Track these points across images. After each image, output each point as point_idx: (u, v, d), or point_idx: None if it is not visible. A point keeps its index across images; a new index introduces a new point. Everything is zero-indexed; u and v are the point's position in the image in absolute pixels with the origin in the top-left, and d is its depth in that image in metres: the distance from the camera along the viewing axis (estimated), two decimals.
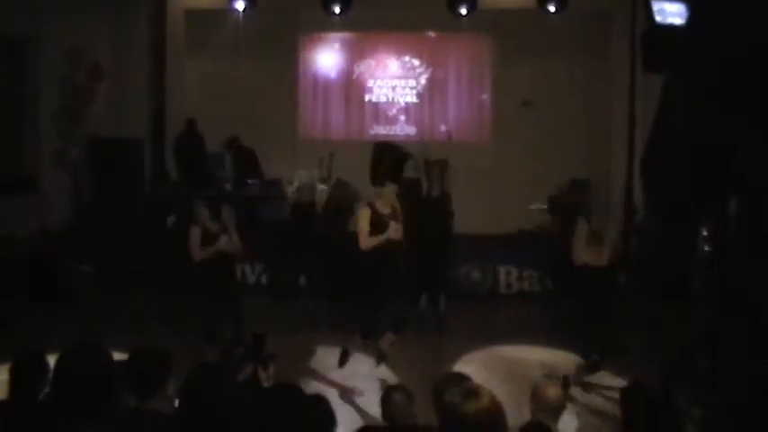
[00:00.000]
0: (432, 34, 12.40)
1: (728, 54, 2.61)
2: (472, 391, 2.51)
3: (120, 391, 2.95)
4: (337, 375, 6.12)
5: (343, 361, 6.05)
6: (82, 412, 2.71)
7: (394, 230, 5.55)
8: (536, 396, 3.59)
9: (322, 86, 12.52)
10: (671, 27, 4.03)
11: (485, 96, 12.44)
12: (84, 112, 10.26)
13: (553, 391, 3.62)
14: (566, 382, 5.67)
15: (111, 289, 8.67)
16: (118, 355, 3.10)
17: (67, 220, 10.02)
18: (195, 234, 5.81)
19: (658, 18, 4.19)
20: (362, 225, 5.62)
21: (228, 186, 10.58)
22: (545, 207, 10.25)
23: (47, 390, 3.07)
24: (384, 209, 5.71)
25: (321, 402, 2.92)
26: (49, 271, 8.51)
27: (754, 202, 2.78)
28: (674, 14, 4.06)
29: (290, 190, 8.92)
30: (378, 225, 5.58)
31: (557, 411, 3.58)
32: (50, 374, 2.98)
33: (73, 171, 10.21)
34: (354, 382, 5.98)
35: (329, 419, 2.84)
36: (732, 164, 2.70)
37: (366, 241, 5.56)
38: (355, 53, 12.47)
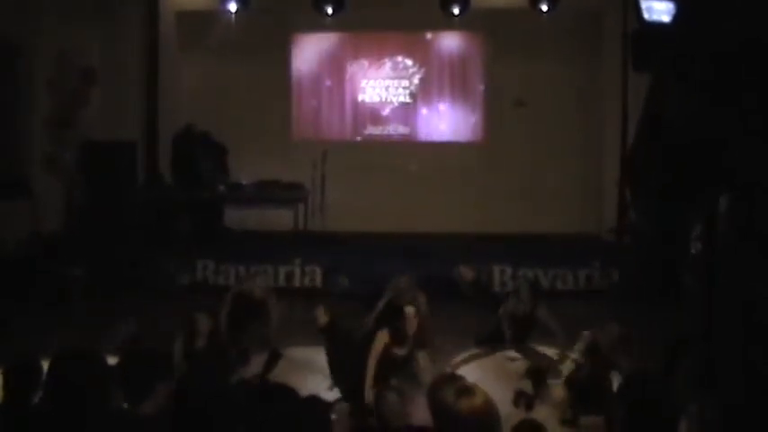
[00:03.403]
0: (424, 34, 12.40)
1: (720, 49, 2.62)
2: (466, 390, 2.51)
3: (113, 394, 2.94)
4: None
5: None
6: (75, 416, 2.70)
7: None
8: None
9: (315, 87, 12.51)
10: (660, 26, 4.04)
11: (477, 98, 12.46)
12: (76, 116, 10.22)
13: (559, 391, 3.65)
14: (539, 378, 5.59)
15: (104, 292, 8.63)
16: (111, 359, 3.09)
17: (60, 224, 9.99)
18: None
19: (646, 16, 4.21)
20: None
21: (222, 188, 10.57)
22: None
23: (40, 394, 3.06)
24: None
25: (317, 402, 2.92)
26: (41, 275, 8.48)
27: (746, 197, 2.78)
28: (661, 12, 4.08)
29: None
30: None
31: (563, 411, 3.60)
32: (43, 379, 2.97)
33: (65, 175, 10.18)
34: None
35: (324, 420, 2.83)
36: (723, 159, 2.70)
37: None
38: (348, 53, 12.46)
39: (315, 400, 2.95)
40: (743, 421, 2.84)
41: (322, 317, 5.89)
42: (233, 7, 10.77)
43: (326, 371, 6.13)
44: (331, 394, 5.62)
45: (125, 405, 2.98)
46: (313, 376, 6.16)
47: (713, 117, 2.58)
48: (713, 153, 2.64)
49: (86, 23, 10.29)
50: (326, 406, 2.88)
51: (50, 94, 10.03)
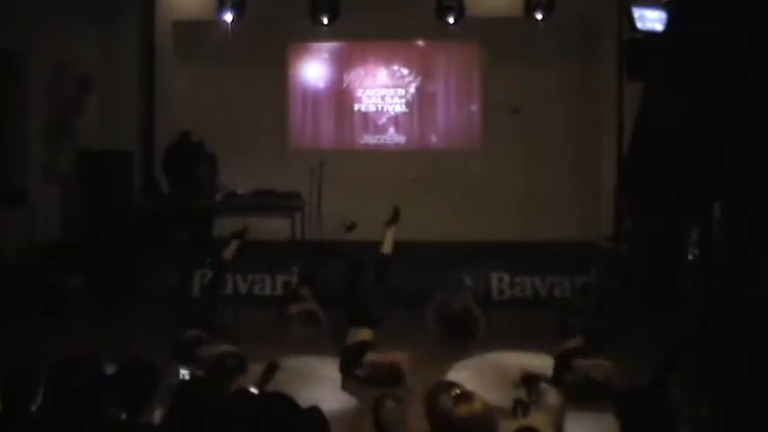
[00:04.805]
0: (420, 43, 12.44)
1: (716, 50, 2.62)
2: (464, 395, 2.52)
3: (110, 404, 2.93)
4: (330, 384, 6.09)
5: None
6: (73, 426, 2.69)
7: None
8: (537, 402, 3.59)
9: (311, 96, 12.52)
10: (653, 35, 4.06)
11: (473, 106, 12.49)
12: (72, 124, 10.22)
13: (553, 396, 3.62)
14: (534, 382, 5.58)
15: (101, 302, 8.62)
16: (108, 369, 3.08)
17: (56, 233, 9.97)
18: None
19: (639, 24, 4.23)
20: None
21: (219, 197, 10.57)
22: None
23: (38, 403, 3.04)
24: None
25: (315, 412, 2.91)
26: (39, 282, 8.48)
27: (741, 201, 2.78)
28: (653, 21, 4.10)
29: None
30: None
31: (558, 417, 3.58)
32: (42, 388, 2.96)
33: (62, 183, 10.17)
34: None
35: (323, 429, 2.82)
36: (719, 161, 2.70)
37: None
38: (344, 63, 12.49)
39: (313, 411, 2.94)
40: (743, 421, 2.84)
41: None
42: (229, 17, 10.80)
43: (325, 381, 6.11)
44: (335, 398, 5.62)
45: (122, 415, 2.97)
46: (311, 387, 6.14)
47: (709, 119, 2.58)
48: (708, 156, 2.64)
49: (83, 32, 10.31)
50: (324, 417, 2.87)
51: (47, 103, 10.04)
